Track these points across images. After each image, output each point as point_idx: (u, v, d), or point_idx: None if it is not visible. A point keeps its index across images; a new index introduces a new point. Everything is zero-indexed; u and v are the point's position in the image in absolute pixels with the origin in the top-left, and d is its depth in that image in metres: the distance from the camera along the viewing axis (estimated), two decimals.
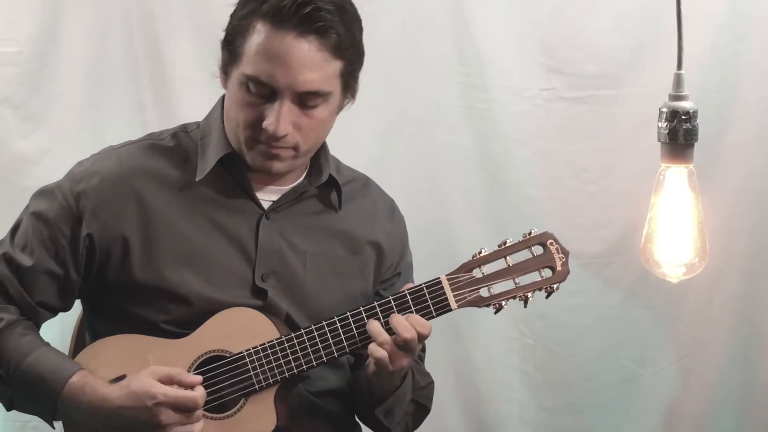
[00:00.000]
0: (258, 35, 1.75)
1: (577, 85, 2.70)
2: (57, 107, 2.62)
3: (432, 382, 2.02)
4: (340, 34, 1.76)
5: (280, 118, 1.76)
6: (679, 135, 1.99)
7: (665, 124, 2.00)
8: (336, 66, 1.78)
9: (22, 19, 2.57)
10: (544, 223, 2.60)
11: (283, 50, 1.73)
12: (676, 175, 2.02)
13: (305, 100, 1.77)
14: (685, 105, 2.00)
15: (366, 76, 2.60)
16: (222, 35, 1.84)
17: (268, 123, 1.76)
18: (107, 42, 2.62)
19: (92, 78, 2.62)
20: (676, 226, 2.04)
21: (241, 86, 1.78)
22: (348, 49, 1.79)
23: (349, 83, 1.83)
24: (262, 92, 1.77)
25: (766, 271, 2.73)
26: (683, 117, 1.99)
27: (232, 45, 1.79)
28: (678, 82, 2.02)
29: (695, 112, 2.00)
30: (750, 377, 2.76)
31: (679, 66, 2.02)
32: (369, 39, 2.59)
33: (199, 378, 1.78)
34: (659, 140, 2.02)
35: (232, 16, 1.81)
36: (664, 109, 2.01)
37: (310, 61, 1.74)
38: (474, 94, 2.69)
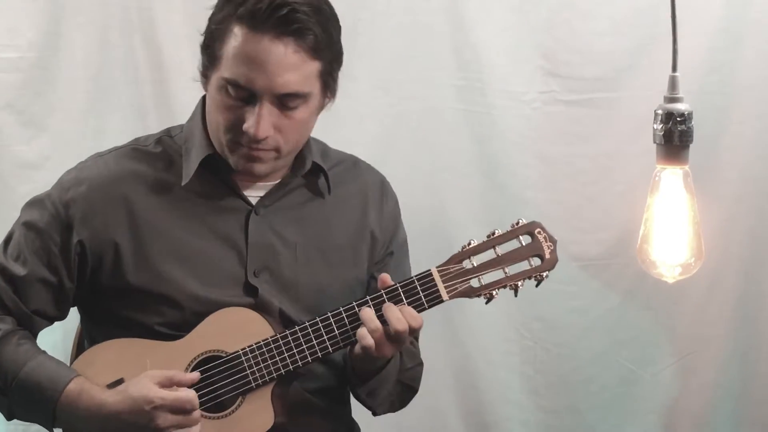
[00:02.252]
0: (235, 39, 1.75)
1: (575, 89, 2.71)
2: (58, 113, 2.62)
3: (420, 364, 2.02)
4: (317, 34, 1.76)
5: (260, 121, 1.76)
6: (674, 137, 2.00)
7: (660, 125, 2.01)
8: (314, 67, 1.78)
9: (24, 25, 2.58)
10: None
11: (260, 53, 1.74)
12: (672, 176, 2.03)
13: (285, 101, 1.78)
14: (680, 107, 2.01)
15: (364, 80, 2.65)
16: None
17: (248, 126, 1.77)
18: (109, 49, 2.63)
19: (94, 84, 2.63)
20: (671, 226, 2.05)
21: (221, 90, 1.78)
22: (326, 50, 1.79)
23: (328, 83, 1.84)
24: (241, 95, 1.77)
25: (764, 271, 2.74)
26: (678, 119, 2.00)
27: (210, 49, 1.80)
28: (673, 84, 2.03)
29: (690, 114, 2.01)
30: (749, 377, 2.77)
31: (674, 68, 2.03)
32: (367, 43, 2.62)
33: (197, 375, 1.79)
34: (655, 142, 2.03)
35: (210, 20, 1.81)
36: (659, 111, 2.02)
37: (287, 62, 1.75)
38: (472, 97, 2.70)
